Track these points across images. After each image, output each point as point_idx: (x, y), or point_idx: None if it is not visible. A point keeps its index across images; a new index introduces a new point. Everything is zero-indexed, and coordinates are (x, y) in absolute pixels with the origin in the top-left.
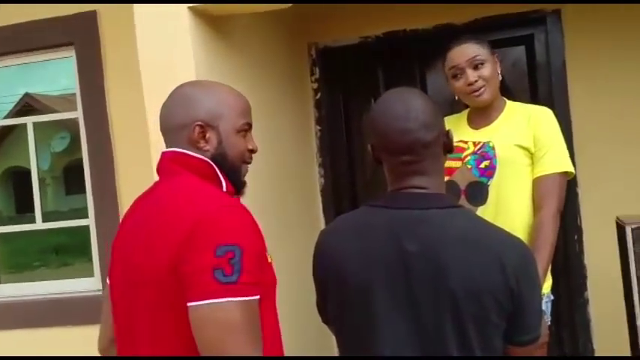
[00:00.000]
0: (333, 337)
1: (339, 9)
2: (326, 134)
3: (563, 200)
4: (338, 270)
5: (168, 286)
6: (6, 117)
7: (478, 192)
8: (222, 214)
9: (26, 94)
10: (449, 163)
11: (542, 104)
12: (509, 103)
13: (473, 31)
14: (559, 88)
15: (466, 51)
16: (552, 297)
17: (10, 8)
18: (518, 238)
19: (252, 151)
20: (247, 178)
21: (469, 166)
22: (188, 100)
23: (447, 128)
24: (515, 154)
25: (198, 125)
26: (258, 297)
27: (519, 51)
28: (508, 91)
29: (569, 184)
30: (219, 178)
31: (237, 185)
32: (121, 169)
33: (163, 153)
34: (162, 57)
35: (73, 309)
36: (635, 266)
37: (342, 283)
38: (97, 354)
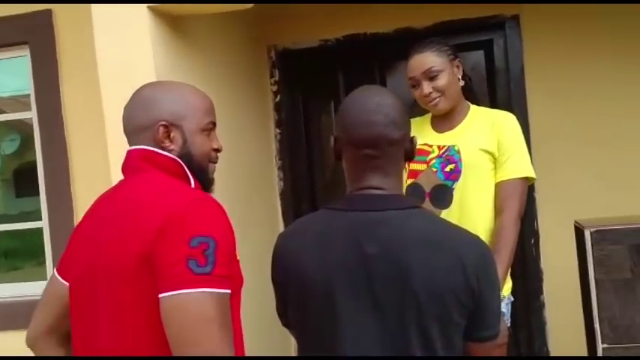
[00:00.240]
0: (293, 340)
1: (300, 11)
2: (285, 137)
3: (524, 205)
4: (298, 274)
5: (140, 279)
6: None
7: (443, 195)
8: (196, 206)
9: None
10: (414, 166)
11: (501, 108)
12: (473, 107)
13: (433, 34)
14: (517, 92)
15: (421, 62)
16: (512, 299)
17: None
18: (477, 238)
19: (218, 150)
20: None
21: (434, 169)
22: (151, 101)
23: (413, 135)
24: (480, 159)
25: (162, 125)
26: (229, 291)
27: (479, 55)
28: (473, 94)
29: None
30: (187, 175)
31: (205, 184)
32: (75, 170)
33: (130, 151)
34: (121, 57)
35: (24, 313)
36: (594, 269)
37: (303, 287)
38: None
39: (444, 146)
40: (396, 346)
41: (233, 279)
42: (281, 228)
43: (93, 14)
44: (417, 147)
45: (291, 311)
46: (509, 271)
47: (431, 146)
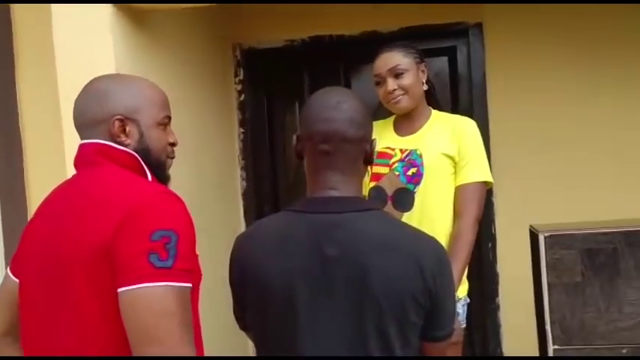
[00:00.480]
0: (251, 342)
1: (266, 11)
2: (249, 137)
3: (483, 209)
4: (257, 277)
5: (100, 274)
6: None
7: (405, 199)
8: (157, 200)
9: None
10: (377, 169)
11: (463, 114)
12: (434, 112)
13: (399, 39)
14: (479, 99)
15: (388, 60)
16: (468, 300)
17: None
18: (434, 239)
19: (173, 145)
20: None
21: (397, 173)
22: (105, 94)
23: (373, 138)
24: (442, 163)
25: (117, 119)
26: (190, 285)
27: (442, 62)
28: (435, 101)
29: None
30: (144, 170)
31: (162, 179)
32: (30, 165)
33: (83, 145)
34: (80, 51)
35: None
36: (547, 273)
37: (262, 290)
38: None
39: (406, 150)
40: (355, 347)
41: (194, 273)
42: (243, 228)
43: (52, 6)
44: (380, 150)
45: (249, 314)
46: (466, 273)
47: (393, 149)
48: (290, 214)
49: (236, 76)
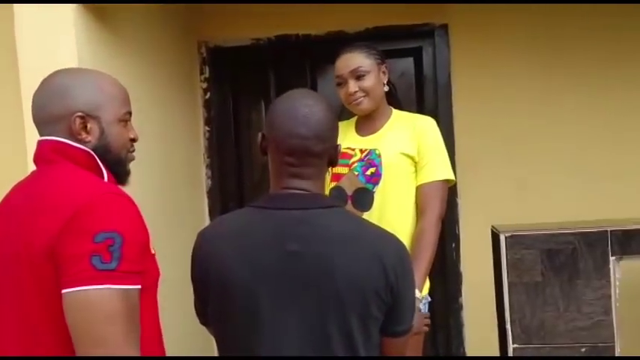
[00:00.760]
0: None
1: (232, 10)
2: (214, 135)
3: (445, 207)
4: (219, 273)
5: (46, 275)
6: None
7: (364, 198)
8: (104, 201)
9: None
10: (337, 169)
11: (428, 114)
12: (395, 112)
13: (365, 39)
14: (444, 100)
15: (349, 62)
16: (429, 299)
17: None
18: (394, 236)
19: (134, 140)
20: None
21: (356, 173)
22: (65, 90)
23: (338, 142)
24: (401, 162)
25: (78, 116)
26: (139, 287)
27: (408, 62)
28: (397, 100)
29: (450, 193)
30: (100, 168)
31: (121, 175)
32: None
33: (41, 142)
34: (43, 49)
35: None
36: (507, 272)
37: (224, 286)
38: None
39: (365, 150)
40: (317, 342)
41: (146, 274)
42: None
43: (15, 7)
44: (341, 150)
45: (211, 310)
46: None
47: (353, 150)
48: (253, 210)
49: (201, 74)
